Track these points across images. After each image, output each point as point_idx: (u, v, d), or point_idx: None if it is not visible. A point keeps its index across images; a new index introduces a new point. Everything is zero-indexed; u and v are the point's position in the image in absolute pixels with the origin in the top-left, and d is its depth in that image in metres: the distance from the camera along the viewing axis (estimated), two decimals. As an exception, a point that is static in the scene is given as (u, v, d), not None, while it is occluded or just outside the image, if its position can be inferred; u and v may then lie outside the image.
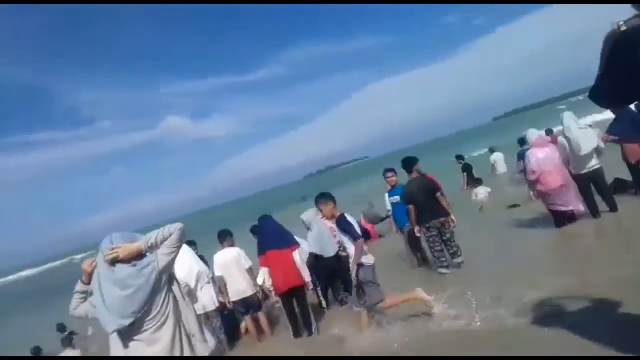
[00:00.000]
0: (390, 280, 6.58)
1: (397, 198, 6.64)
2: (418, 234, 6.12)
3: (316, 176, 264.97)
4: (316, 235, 6.01)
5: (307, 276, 5.36)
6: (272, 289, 5.63)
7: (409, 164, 6.25)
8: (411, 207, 6.05)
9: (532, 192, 6.83)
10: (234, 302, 5.75)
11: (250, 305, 5.82)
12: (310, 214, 6.22)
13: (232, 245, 5.91)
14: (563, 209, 6.28)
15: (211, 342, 2.84)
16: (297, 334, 5.37)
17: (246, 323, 5.90)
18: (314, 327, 5.37)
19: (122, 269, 2.41)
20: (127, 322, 2.34)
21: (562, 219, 6.37)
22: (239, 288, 5.70)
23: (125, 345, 2.38)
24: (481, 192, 11.21)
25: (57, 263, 59.42)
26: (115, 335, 2.36)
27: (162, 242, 2.52)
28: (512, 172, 12.84)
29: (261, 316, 5.94)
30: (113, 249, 2.43)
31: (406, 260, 6.99)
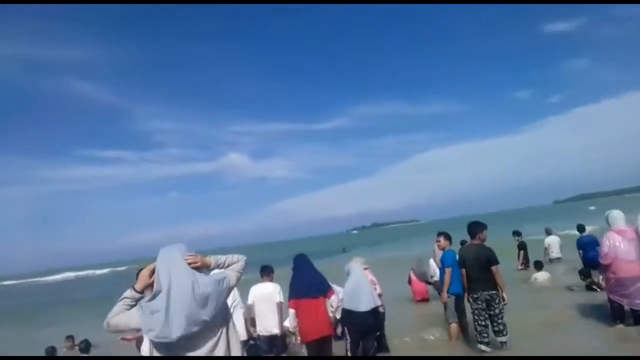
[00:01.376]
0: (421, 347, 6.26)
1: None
2: (468, 303, 5.75)
3: (360, 231, 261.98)
4: (352, 287, 5.78)
5: (336, 325, 5.09)
6: (296, 331, 5.43)
7: (475, 228, 5.89)
8: (463, 271, 5.75)
9: (600, 277, 6.27)
10: (260, 336, 5.62)
11: (274, 344, 5.64)
12: (353, 263, 6.03)
13: (271, 281, 5.87)
14: (626, 302, 5.69)
15: None
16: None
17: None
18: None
19: (201, 277, 2.34)
20: (196, 328, 2.23)
21: (621, 313, 5.79)
22: (268, 324, 5.59)
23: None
24: (541, 277, 10.58)
25: (105, 271, 61.30)
26: (159, 344, 2.24)
27: (229, 265, 2.56)
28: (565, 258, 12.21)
29: (284, 357, 5.72)
30: (193, 256, 2.39)
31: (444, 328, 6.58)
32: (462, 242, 10.49)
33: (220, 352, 2.33)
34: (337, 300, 5.28)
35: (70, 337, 8.93)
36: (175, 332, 2.17)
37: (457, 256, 6.24)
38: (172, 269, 2.31)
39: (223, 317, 2.41)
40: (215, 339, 2.33)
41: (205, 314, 2.24)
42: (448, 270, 6.30)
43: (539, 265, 11.13)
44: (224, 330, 2.39)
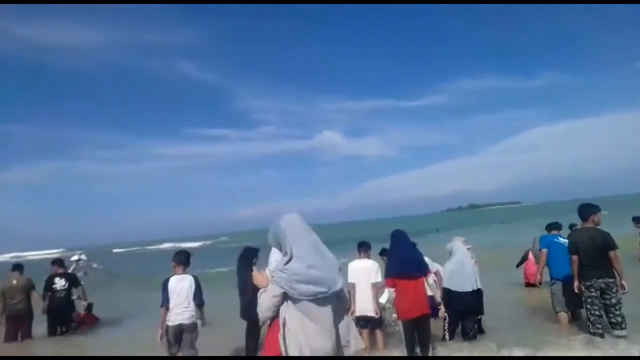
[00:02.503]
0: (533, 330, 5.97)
1: (564, 240, 6.04)
2: (577, 291, 5.36)
3: (456, 212, 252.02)
4: (455, 266, 5.68)
5: (438, 303, 5.03)
6: (393, 309, 5.48)
7: (588, 210, 5.44)
8: (574, 257, 5.32)
9: None
10: (358, 317, 5.69)
11: (370, 320, 5.76)
12: (456, 242, 5.91)
13: (368, 257, 5.96)
14: None
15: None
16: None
17: (362, 335, 5.82)
18: (430, 354, 5.02)
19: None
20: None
21: None
22: (364, 304, 5.69)
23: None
24: None
25: (209, 242, 66.39)
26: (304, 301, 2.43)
27: None
28: None
29: (378, 333, 5.85)
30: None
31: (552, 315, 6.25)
32: (571, 226, 9.72)
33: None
34: (433, 279, 5.21)
35: (57, 261, 8.98)
36: (337, 284, 2.45)
37: (567, 241, 5.87)
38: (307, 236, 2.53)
39: None
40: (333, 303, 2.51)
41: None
42: (544, 252, 6.21)
43: None
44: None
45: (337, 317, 2.52)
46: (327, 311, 2.46)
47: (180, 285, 5.18)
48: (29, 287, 8.26)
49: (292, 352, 2.42)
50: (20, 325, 8.10)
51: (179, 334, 5.13)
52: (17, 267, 8.50)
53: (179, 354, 5.18)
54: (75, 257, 11.03)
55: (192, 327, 5.20)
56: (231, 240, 61.37)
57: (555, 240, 6.26)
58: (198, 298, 5.24)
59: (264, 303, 2.49)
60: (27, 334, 8.16)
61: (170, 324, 5.11)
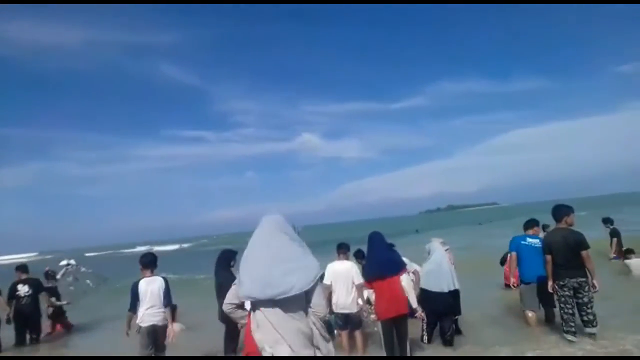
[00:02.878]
0: (504, 334, 6.10)
1: (535, 241, 6.17)
2: (550, 290, 5.46)
3: (434, 213, 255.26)
4: (433, 267, 5.74)
5: (413, 302, 5.07)
6: (372, 309, 5.52)
7: (561, 211, 5.52)
8: (548, 257, 5.42)
9: None
10: (335, 314, 5.72)
11: (350, 320, 5.76)
12: (434, 243, 5.98)
13: (347, 259, 5.97)
14: None
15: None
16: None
17: (341, 336, 5.84)
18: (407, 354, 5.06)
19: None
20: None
21: None
22: (344, 302, 5.69)
23: None
24: (635, 264, 9.82)
25: (187, 245, 65.53)
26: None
27: None
28: None
29: (357, 334, 5.84)
30: None
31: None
32: (544, 227, 9.92)
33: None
34: (407, 278, 5.22)
35: (21, 267, 8.79)
36: (285, 289, 2.33)
37: (537, 241, 6.11)
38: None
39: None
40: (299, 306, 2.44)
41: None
42: (512, 255, 6.32)
43: (630, 252, 10.49)
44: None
45: (301, 322, 2.40)
46: (284, 315, 2.36)
47: (150, 287, 5.22)
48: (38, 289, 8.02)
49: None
50: (26, 325, 7.92)
51: (153, 334, 5.17)
52: (22, 268, 8.24)
53: (153, 355, 5.20)
54: (64, 262, 11.01)
55: (164, 329, 5.27)
56: (211, 243, 60.61)
57: (523, 242, 6.31)
58: (167, 299, 5.30)
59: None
60: (35, 338, 7.97)
61: (143, 325, 5.15)
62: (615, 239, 11.75)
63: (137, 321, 5.15)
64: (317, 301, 2.47)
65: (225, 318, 5.24)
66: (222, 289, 5.08)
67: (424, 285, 5.79)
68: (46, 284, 9.52)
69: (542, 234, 6.85)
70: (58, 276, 10.04)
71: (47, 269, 10.30)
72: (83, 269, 11.73)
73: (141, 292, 5.19)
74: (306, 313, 2.45)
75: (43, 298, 8.83)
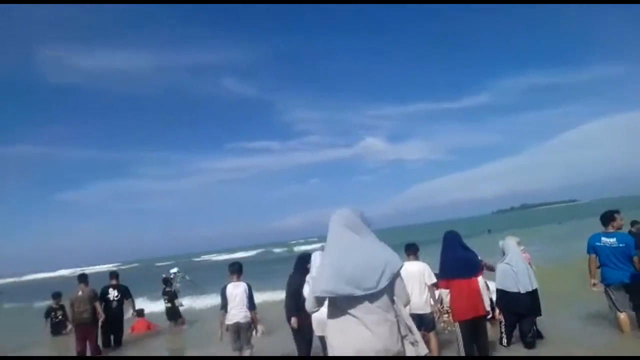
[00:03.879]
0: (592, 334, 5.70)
1: (612, 240, 5.62)
2: None
3: (507, 213, 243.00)
4: (508, 267, 5.51)
5: (487, 304, 4.90)
6: (448, 310, 5.38)
7: None
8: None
9: None
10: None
11: (423, 321, 5.66)
12: (509, 241, 5.74)
13: (417, 259, 5.89)
14: None
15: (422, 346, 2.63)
16: (470, 365, 4.94)
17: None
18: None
19: None
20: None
21: None
22: (417, 303, 5.57)
23: None
24: None
25: (257, 252, 67.40)
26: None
27: None
28: None
29: (432, 336, 5.71)
30: None
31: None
32: (634, 223, 9.12)
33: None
34: (482, 279, 5.07)
35: (113, 274, 10.08)
36: (367, 285, 2.37)
37: (615, 239, 5.61)
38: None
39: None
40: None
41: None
42: (591, 258, 5.76)
43: None
44: None
45: (389, 313, 2.41)
46: (370, 308, 2.37)
47: (236, 291, 6.02)
48: (93, 298, 8.63)
49: (331, 352, 2.46)
50: (87, 333, 8.51)
51: (238, 331, 5.99)
52: (82, 278, 8.91)
53: (241, 351, 6.02)
54: (174, 270, 12.55)
55: (248, 326, 6.06)
56: (284, 250, 61.79)
57: (598, 243, 5.72)
58: (250, 302, 6.08)
59: (306, 300, 2.64)
60: (94, 344, 8.54)
61: (229, 322, 5.99)
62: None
63: (226, 320, 5.96)
64: (401, 292, 2.52)
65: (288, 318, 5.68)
66: (295, 294, 5.42)
67: (500, 285, 5.59)
68: (166, 288, 11.19)
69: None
70: (174, 283, 11.62)
71: (164, 276, 11.80)
72: (187, 277, 13.05)
73: (229, 294, 6.00)
74: (392, 303, 2.48)
75: (129, 303, 9.68)
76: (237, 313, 5.96)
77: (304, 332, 5.55)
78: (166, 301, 11.13)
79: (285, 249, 62.25)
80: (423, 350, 2.52)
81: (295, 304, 5.45)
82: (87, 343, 8.46)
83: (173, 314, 10.99)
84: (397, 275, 2.46)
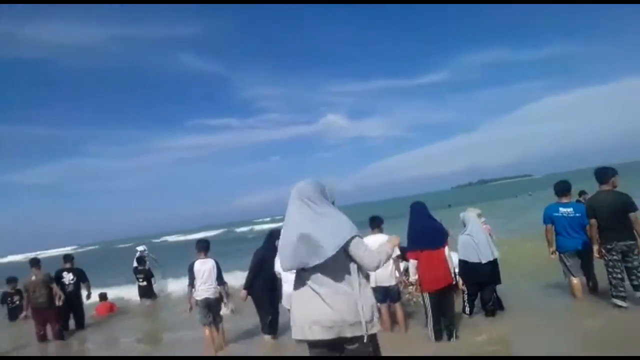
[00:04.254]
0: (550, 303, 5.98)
1: (569, 210, 5.82)
2: (597, 255, 5.27)
3: (466, 188, 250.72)
4: (469, 238, 5.62)
5: (453, 273, 5.01)
6: (413, 282, 5.47)
7: (606, 173, 5.27)
8: (593, 221, 5.18)
9: None
10: (373, 288, 5.69)
11: (389, 293, 5.74)
12: (469, 213, 5.85)
13: (381, 232, 5.90)
14: None
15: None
16: (439, 336, 5.04)
17: (381, 311, 5.82)
18: (454, 332, 5.03)
19: None
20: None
21: None
22: (382, 275, 5.60)
23: None
24: None
25: (219, 231, 66.76)
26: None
27: None
28: None
29: (398, 308, 5.82)
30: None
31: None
32: (581, 193, 9.54)
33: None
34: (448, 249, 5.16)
35: (67, 257, 9.68)
36: (321, 254, 2.40)
37: (571, 209, 5.80)
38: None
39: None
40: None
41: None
42: (547, 228, 5.94)
43: None
44: None
45: (339, 288, 2.40)
46: (321, 283, 2.41)
47: (204, 267, 6.09)
48: (48, 281, 8.33)
49: (292, 323, 2.53)
50: (46, 317, 8.22)
51: (207, 306, 6.06)
52: (34, 262, 8.60)
53: (211, 326, 6.12)
54: (141, 248, 12.34)
55: (217, 301, 6.15)
56: (248, 229, 61.07)
57: (556, 214, 5.88)
58: (219, 278, 6.16)
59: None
60: (55, 328, 8.25)
61: (198, 298, 6.05)
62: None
63: (195, 295, 6.04)
64: (361, 254, 2.42)
65: (254, 292, 6.18)
66: (254, 268, 6.21)
67: (462, 256, 5.70)
68: (139, 267, 11.35)
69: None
70: (146, 262, 11.63)
71: (138, 254, 11.82)
72: (151, 255, 12.89)
73: (196, 270, 6.06)
74: (351, 272, 2.44)
75: (85, 287, 9.34)
76: (207, 289, 6.03)
77: (260, 304, 6.18)
78: (141, 280, 11.22)
79: (250, 227, 61.76)
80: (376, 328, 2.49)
81: (252, 277, 6.15)
82: (49, 327, 8.22)
83: (148, 292, 11.14)
84: (347, 244, 2.39)
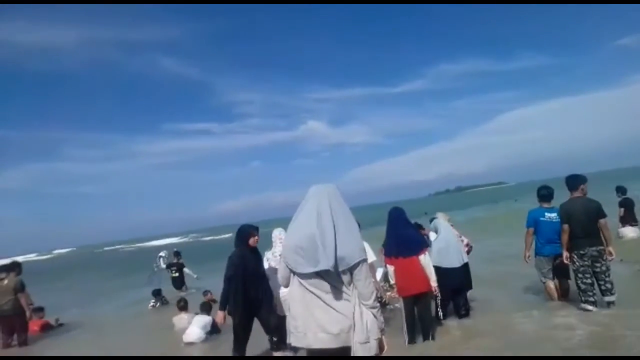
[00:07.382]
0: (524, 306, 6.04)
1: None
2: (566, 261, 5.38)
3: (443, 195, 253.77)
4: (441, 243, 5.68)
5: (433, 281, 5.04)
6: (390, 288, 5.49)
7: (577, 180, 5.42)
8: (566, 226, 5.29)
9: None
10: None
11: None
12: (440, 220, 5.91)
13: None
14: None
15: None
16: (412, 340, 5.08)
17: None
18: (430, 336, 5.07)
19: None
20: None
21: None
22: None
23: None
24: (629, 232, 10.37)
25: (185, 239, 65.35)
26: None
27: None
28: None
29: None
30: None
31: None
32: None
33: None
34: (427, 256, 5.18)
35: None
36: (321, 262, 2.31)
37: (559, 211, 5.87)
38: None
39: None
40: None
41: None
42: (528, 231, 6.04)
43: (635, 222, 10.80)
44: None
45: (342, 293, 2.33)
46: (326, 290, 2.33)
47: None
48: (18, 289, 7.92)
49: (292, 322, 2.41)
50: (11, 326, 7.92)
51: None
52: (10, 267, 8.15)
53: None
54: (163, 253, 13.56)
55: None
56: (214, 234, 59.90)
57: (542, 218, 5.98)
58: None
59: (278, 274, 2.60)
60: (22, 337, 7.94)
61: None
62: (623, 209, 11.52)
63: None
64: (361, 283, 2.34)
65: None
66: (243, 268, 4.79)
67: (436, 262, 5.70)
68: (173, 260, 12.74)
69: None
70: (163, 265, 13.00)
71: (175, 249, 13.56)
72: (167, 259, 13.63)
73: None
74: (350, 291, 2.35)
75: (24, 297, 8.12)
76: None
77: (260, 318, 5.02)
78: (174, 272, 12.45)
79: (230, 234, 60.99)
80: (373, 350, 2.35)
81: (231, 290, 4.78)
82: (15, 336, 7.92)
83: (180, 283, 12.39)
84: (353, 267, 2.31)
